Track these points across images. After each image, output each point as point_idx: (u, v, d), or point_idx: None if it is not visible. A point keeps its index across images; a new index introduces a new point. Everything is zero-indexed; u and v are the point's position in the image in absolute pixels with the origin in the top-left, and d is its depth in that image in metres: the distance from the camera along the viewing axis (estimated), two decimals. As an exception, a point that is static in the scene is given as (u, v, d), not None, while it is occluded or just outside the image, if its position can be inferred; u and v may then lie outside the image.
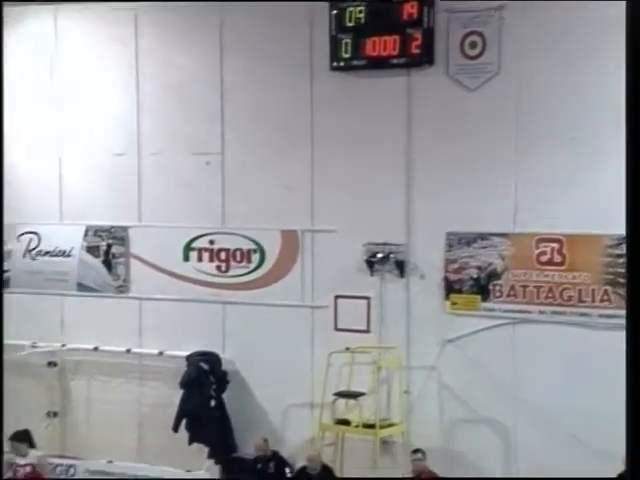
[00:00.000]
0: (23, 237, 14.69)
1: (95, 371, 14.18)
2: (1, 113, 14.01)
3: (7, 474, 11.25)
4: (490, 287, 12.29)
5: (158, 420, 13.47)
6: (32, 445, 11.26)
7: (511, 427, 12.21)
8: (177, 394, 13.26)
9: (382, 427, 12.48)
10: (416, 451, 12.10)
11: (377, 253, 12.77)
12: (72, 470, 13.33)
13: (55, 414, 14.27)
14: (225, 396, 13.34)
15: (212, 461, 13.13)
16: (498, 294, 12.22)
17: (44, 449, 12.14)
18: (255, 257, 13.48)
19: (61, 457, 13.52)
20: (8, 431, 11.75)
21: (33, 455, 11.17)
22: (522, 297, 12.08)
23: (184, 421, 13.15)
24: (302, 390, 13.12)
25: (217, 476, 12.98)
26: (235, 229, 13.55)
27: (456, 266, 12.47)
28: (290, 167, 13.27)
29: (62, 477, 13.12)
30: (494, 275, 12.26)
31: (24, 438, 11.24)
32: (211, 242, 13.69)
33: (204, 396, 13.16)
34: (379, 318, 12.85)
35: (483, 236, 12.29)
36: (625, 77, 8.69)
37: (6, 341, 14.13)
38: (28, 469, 11.08)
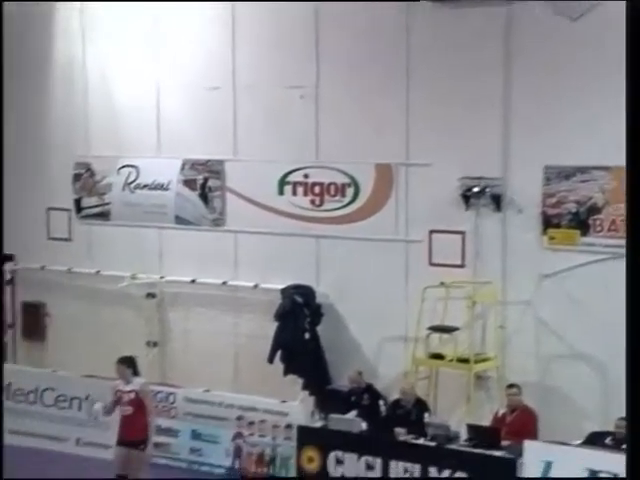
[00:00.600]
0: (122, 170, 14.56)
1: (192, 303, 14.09)
2: (1, 113, 14.16)
3: (111, 399, 11.21)
4: (590, 222, 11.75)
5: (253, 351, 13.39)
6: (136, 372, 11.19)
7: (608, 363, 11.69)
8: (272, 326, 13.11)
9: (476, 362, 12.14)
10: (511, 386, 11.73)
11: (473, 187, 12.30)
12: (171, 398, 13.09)
13: (155, 344, 14.26)
14: (319, 329, 13.14)
15: (306, 392, 12.96)
16: (598, 229, 11.67)
17: (145, 377, 12.00)
18: (349, 191, 13.14)
19: (161, 385, 13.32)
20: (111, 360, 11.72)
21: (137, 382, 11.07)
22: (624, 232, 11.52)
23: (279, 352, 13.03)
24: (396, 324, 12.82)
25: (311, 407, 12.74)
26: (329, 163, 13.21)
27: (554, 200, 11.94)
28: (385, 100, 12.80)
29: (162, 404, 13.04)
30: (594, 209, 11.70)
31: (130, 364, 11.18)
32: (305, 176, 13.37)
33: (298, 328, 12.98)
34: (474, 253, 12.43)
35: (583, 169, 11.72)
36: (625, 77, 8.31)
37: (107, 272, 14.48)
38: (132, 395, 10.92)
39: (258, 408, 12.61)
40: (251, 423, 12.60)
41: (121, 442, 10.99)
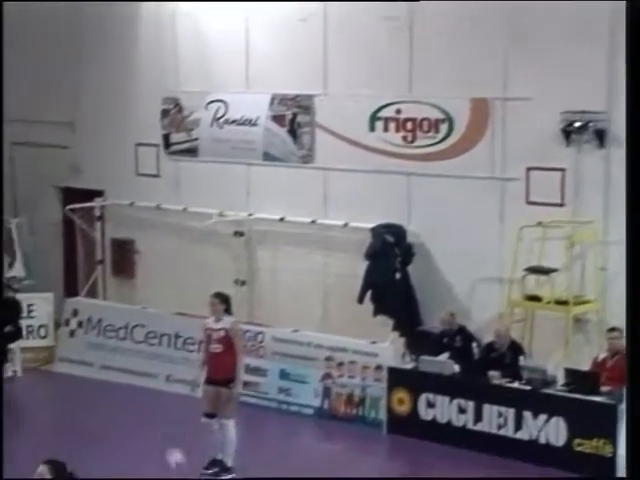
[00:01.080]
0: (211, 105, 14.24)
1: (281, 241, 13.84)
2: (1, 111, 14.10)
3: (201, 336, 11.05)
4: (701, 158, 11.03)
5: (343, 291, 13.08)
6: (229, 311, 10.87)
7: None
8: (362, 265, 12.76)
9: (575, 304, 11.61)
10: (613, 329, 11.15)
11: (574, 122, 11.64)
12: (260, 337, 13.00)
13: (243, 282, 14.02)
14: (410, 269, 12.75)
15: (397, 334, 12.63)
16: None
17: (233, 316, 11.84)
18: (443, 127, 12.62)
19: (249, 324, 13.13)
20: (199, 298, 11.53)
21: (227, 320, 10.79)
22: None
23: (369, 293, 12.70)
24: (490, 265, 12.35)
25: (402, 349, 12.46)
26: (423, 97, 12.68)
27: (662, 135, 11.24)
28: (482, 31, 12.17)
29: (250, 343, 12.93)
30: None
31: (224, 300, 10.84)
32: (398, 111, 12.90)
33: (389, 268, 12.65)
34: (574, 191, 11.84)
35: (695, 102, 10.97)
36: (625, 77, 8.01)
37: (194, 209, 14.31)
38: (222, 333, 10.67)
39: (347, 349, 12.43)
40: (340, 364, 12.46)
41: (210, 380, 10.79)
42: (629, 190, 7.49)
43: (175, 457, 9.58)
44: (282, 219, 13.70)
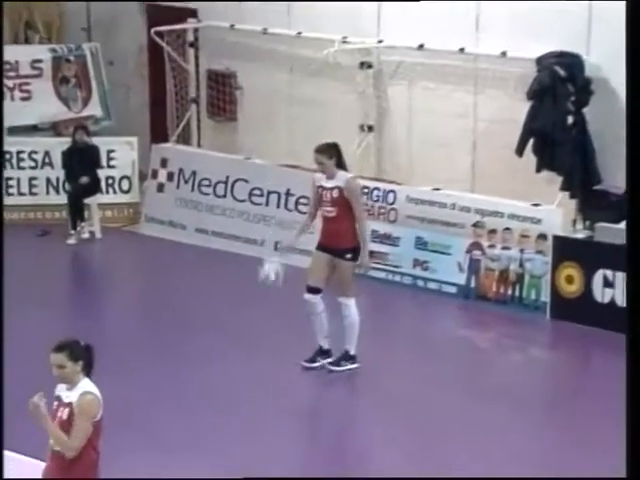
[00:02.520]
0: None
1: (418, 75, 13.50)
2: (1, 111, 14.53)
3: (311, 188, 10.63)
4: None
5: (497, 140, 12.79)
6: (342, 164, 10.36)
7: None
8: (523, 107, 12.34)
9: None
10: None
11: None
12: (391, 196, 12.83)
13: (370, 128, 13.83)
14: (587, 111, 12.28)
15: (566, 194, 12.33)
16: None
17: (357, 170, 11.59)
18: None
19: (377, 181, 13.00)
20: (314, 146, 11.00)
21: (341, 177, 10.26)
22: None
23: (531, 142, 12.34)
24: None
25: (572, 213, 12.19)
26: None
27: None
28: None
29: (379, 205, 12.73)
30: None
31: (332, 154, 10.27)
32: None
33: (559, 110, 12.26)
34: None
35: None
36: (625, 77, 8.16)
37: (310, 34, 14.07)
38: (335, 194, 10.18)
39: (502, 212, 12.28)
40: (492, 231, 12.30)
41: (322, 247, 10.32)
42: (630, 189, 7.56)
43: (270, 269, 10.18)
44: (421, 47, 13.27)
